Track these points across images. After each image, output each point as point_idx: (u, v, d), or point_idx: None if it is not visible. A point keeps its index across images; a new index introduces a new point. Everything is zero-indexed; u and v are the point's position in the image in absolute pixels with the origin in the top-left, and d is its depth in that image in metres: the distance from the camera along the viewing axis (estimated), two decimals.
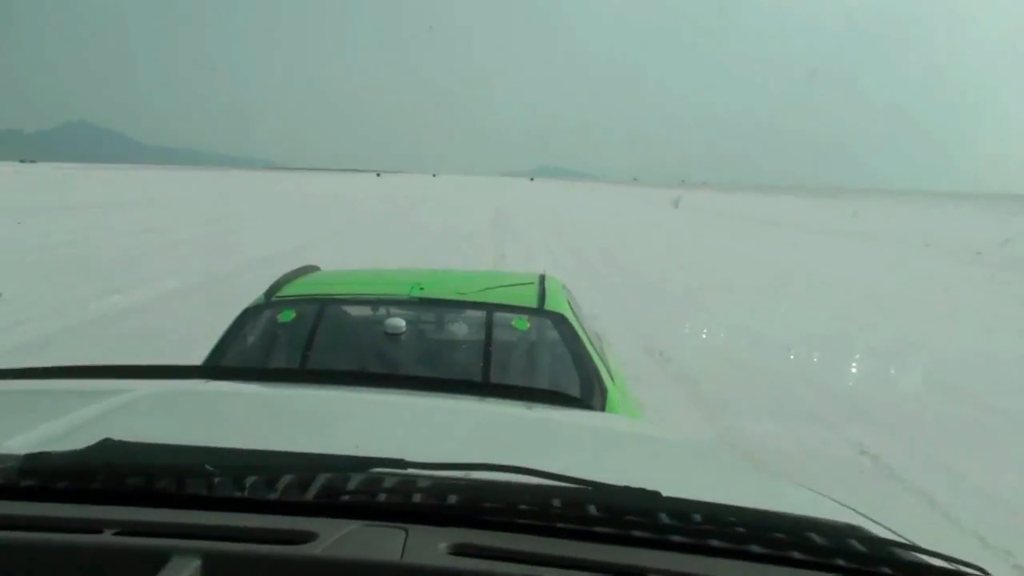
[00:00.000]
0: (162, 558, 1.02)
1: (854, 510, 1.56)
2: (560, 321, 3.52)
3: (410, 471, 1.27)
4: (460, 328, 3.94)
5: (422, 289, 3.72)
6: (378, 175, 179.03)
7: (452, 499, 1.22)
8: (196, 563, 1.02)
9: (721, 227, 35.14)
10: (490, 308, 3.55)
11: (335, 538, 1.09)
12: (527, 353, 3.78)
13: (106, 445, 1.27)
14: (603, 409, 3.00)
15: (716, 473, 1.95)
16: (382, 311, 3.92)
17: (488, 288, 3.81)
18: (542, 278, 4.09)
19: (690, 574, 1.08)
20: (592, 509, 1.20)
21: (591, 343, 3.53)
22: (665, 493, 1.24)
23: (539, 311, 3.59)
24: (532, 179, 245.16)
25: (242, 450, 1.35)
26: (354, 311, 4.02)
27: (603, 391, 3.12)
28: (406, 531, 1.13)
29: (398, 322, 3.64)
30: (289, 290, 3.76)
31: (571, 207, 50.18)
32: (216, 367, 3.16)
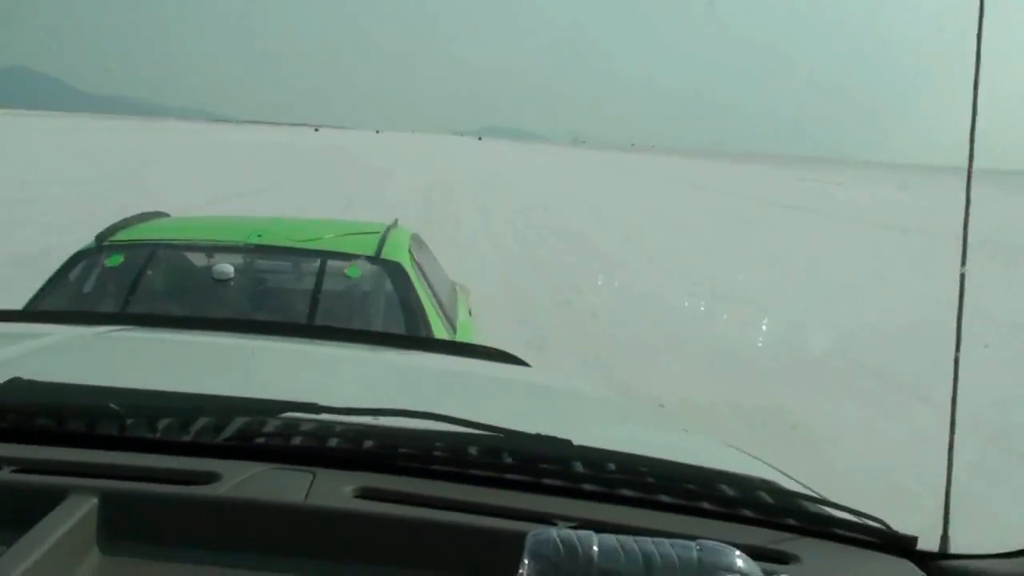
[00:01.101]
0: (59, 495, 1.01)
1: (766, 463, 1.62)
2: (395, 270, 3.60)
3: (322, 416, 1.27)
4: (292, 275, 4.02)
5: (260, 236, 3.78)
6: (316, 130, 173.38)
7: (363, 444, 1.24)
8: (93, 501, 1.01)
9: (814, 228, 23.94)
10: (324, 256, 3.64)
11: (239, 479, 1.08)
12: (357, 300, 3.85)
13: (15, 384, 1.26)
14: None
15: (628, 425, 2.02)
16: (216, 258, 3.75)
17: (328, 236, 3.87)
18: (389, 227, 4.14)
19: (599, 521, 1.08)
20: (503, 456, 1.23)
21: (428, 293, 3.66)
22: (576, 442, 1.26)
23: (375, 259, 3.66)
24: (480, 138, 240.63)
25: (151, 391, 1.38)
26: (186, 258, 3.94)
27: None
28: (314, 474, 1.13)
29: (226, 268, 3.58)
30: (123, 235, 3.71)
31: (549, 183, 38.90)
32: (132, 314, 3.15)
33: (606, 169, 63.13)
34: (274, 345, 2.26)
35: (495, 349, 2.53)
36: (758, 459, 1.65)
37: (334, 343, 2.44)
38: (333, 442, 1.23)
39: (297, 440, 1.23)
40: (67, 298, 3.48)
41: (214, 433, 1.22)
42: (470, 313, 5.17)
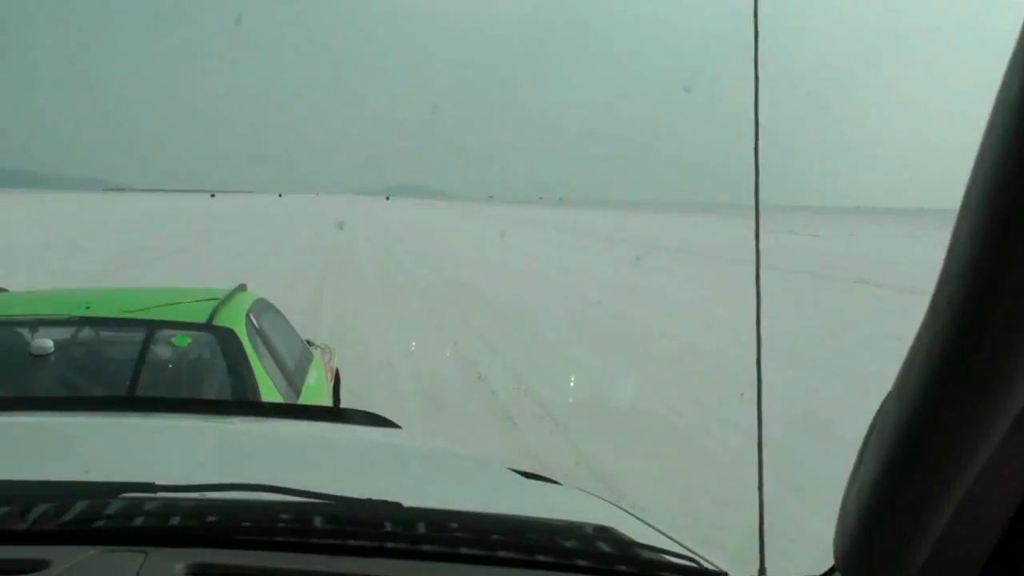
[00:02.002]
0: None
1: (623, 509, 1.74)
2: (227, 336, 3.58)
3: (159, 495, 1.28)
4: (121, 346, 3.90)
5: (88, 308, 3.77)
6: (212, 196, 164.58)
7: (188, 520, 1.23)
8: None
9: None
10: (152, 325, 3.61)
11: (68, 565, 1.08)
12: (185, 369, 3.79)
13: None
14: None
15: (477, 482, 2.03)
16: (40, 332, 3.67)
17: (159, 305, 3.86)
18: (232, 292, 4.15)
19: None
20: (325, 522, 1.24)
21: (265, 358, 3.69)
22: (415, 503, 1.30)
23: (206, 326, 3.65)
24: (388, 198, 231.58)
25: None
26: (11, 333, 3.78)
27: None
28: (146, 554, 1.13)
29: (45, 343, 3.51)
30: None
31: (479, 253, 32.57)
32: None
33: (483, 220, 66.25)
34: (109, 421, 2.28)
35: (364, 412, 2.58)
36: (607, 502, 1.88)
37: (178, 415, 2.46)
38: (167, 521, 1.23)
39: (135, 521, 1.22)
40: None
41: (48, 520, 1.20)
42: (337, 373, 5.57)
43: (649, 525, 1.61)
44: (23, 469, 1.59)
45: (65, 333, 3.80)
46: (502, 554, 1.21)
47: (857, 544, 0.82)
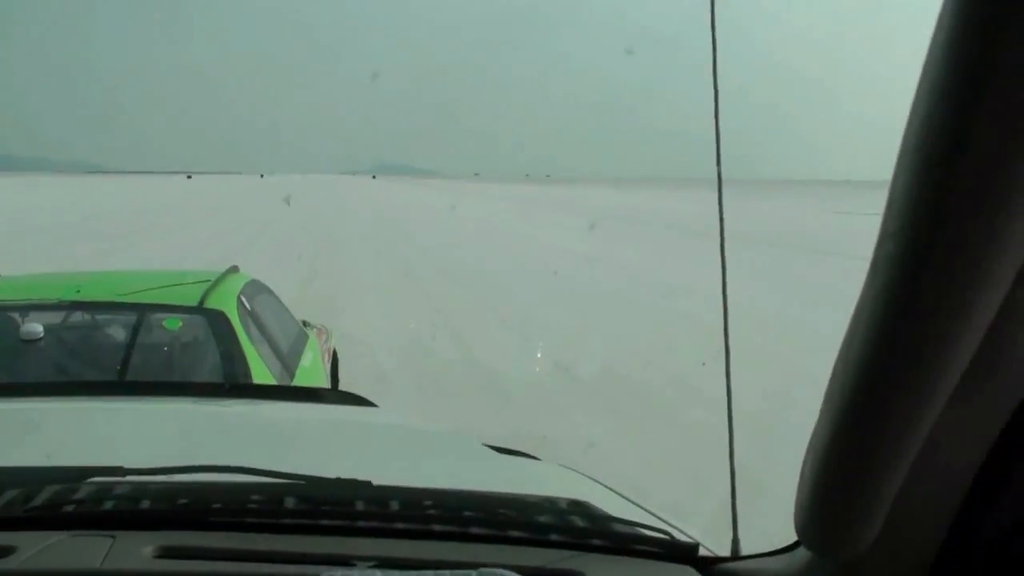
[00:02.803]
0: None
1: (600, 483, 1.71)
2: (217, 318, 3.58)
3: (127, 478, 1.27)
4: (110, 330, 3.95)
5: (78, 292, 3.76)
6: (189, 177, 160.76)
7: (157, 503, 1.24)
8: None
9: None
10: (142, 308, 3.64)
11: (34, 550, 1.08)
12: (177, 352, 3.79)
13: None
14: None
15: (453, 459, 2.01)
16: (30, 317, 3.65)
17: (150, 288, 3.85)
18: (223, 275, 4.14)
19: (404, 559, 1.12)
20: (295, 502, 1.24)
21: (257, 339, 3.69)
22: (387, 482, 1.30)
23: (197, 309, 3.64)
24: (374, 177, 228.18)
25: None
26: (9, 317, 3.76)
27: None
28: (114, 538, 1.13)
29: (34, 327, 3.51)
30: None
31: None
32: None
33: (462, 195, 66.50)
34: (85, 406, 2.29)
35: (340, 392, 2.79)
36: (583, 475, 1.81)
37: (149, 398, 2.45)
38: (137, 504, 1.23)
39: (103, 505, 1.22)
40: None
41: (15, 506, 1.21)
42: (334, 354, 5.63)
43: (626, 498, 1.63)
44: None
45: (55, 317, 3.80)
46: (475, 530, 1.22)
47: (814, 515, 0.81)
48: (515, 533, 1.21)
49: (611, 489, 1.70)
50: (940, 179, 0.60)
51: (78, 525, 1.17)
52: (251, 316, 3.90)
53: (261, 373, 3.47)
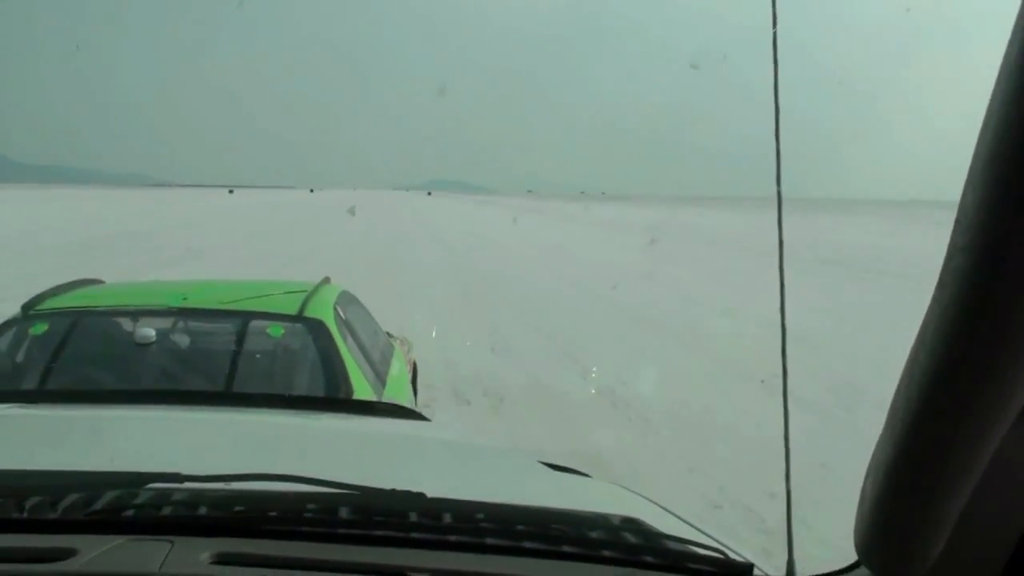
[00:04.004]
0: None
1: (652, 502, 1.69)
2: (317, 327, 3.66)
3: (185, 485, 1.29)
4: (216, 336, 4.01)
5: (185, 299, 3.86)
6: (231, 191, 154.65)
7: (214, 510, 1.24)
8: None
9: None
10: (246, 316, 3.72)
11: (95, 554, 1.10)
12: (280, 359, 3.86)
13: None
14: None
15: (508, 473, 2.04)
16: (141, 322, 3.79)
17: (254, 297, 3.94)
18: (317, 286, 4.22)
19: (459, 571, 1.13)
20: (350, 512, 1.25)
21: (353, 348, 3.76)
22: (441, 494, 1.29)
23: (297, 318, 3.71)
24: (429, 193, 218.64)
25: (13, 471, 1.39)
26: (111, 323, 3.97)
27: (348, 394, 3.33)
28: (172, 543, 1.14)
29: (148, 332, 3.65)
30: (49, 304, 3.76)
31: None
32: (13, 391, 3.22)
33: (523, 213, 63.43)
34: (139, 414, 2.35)
35: (394, 405, 2.78)
36: (636, 494, 1.79)
37: (221, 408, 2.54)
38: (194, 510, 1.24)
39: (162, 511, 1.23)
40: None
41: (78, 510, 1.22)
42: (415, 365, 5.68)
43: (678, 517, 1.61)
44: (55, 459, 1.58)
45: (165, 323, 3.89)
46: (528, 544, 1.20)
47: (876, 535, 0.79)
48: (568, 548, 1.20)
49: (663, 508, 1.68)
50: (1012, 194, 0.59)
51: (137, 530, 1.18)
52: (346, 325, 3.94)
53: (358, 380, 3.53)
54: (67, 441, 2.00)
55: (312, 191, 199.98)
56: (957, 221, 0.64)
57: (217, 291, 4.28)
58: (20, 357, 3.61)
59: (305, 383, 3.59)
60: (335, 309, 3.97)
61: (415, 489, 1.29)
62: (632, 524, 1.32)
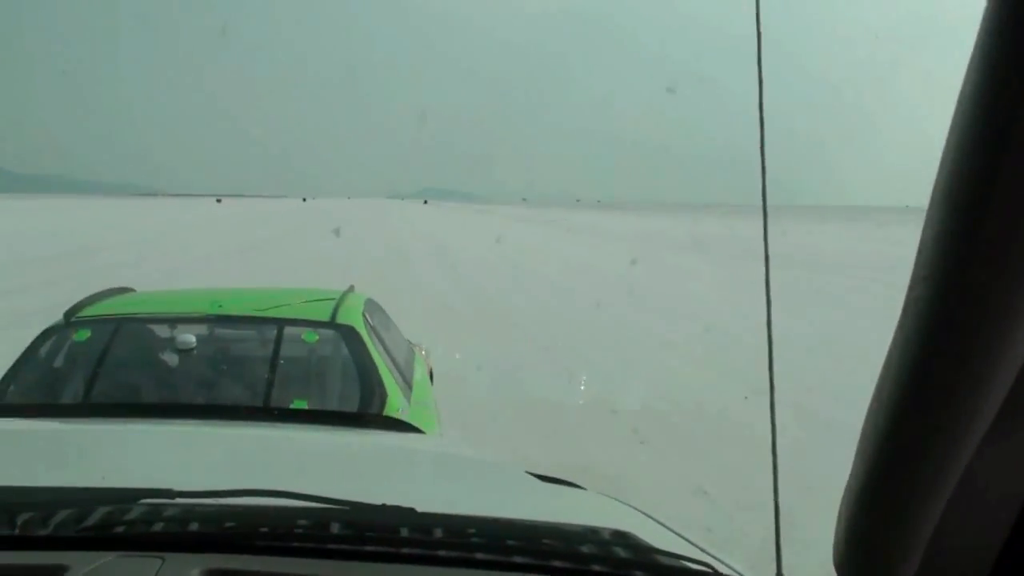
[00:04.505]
0: None
1: (642, 513, 1.70)
2: (349, 333, 3.76)
3: (176, 500, 1.29)
4: (252, 342, 4.15)
5: (220, 307, 3.97)
6: (218, 200, 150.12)
7: (205, 526, 1.25)
8: None
9: None
10: (281, 323, 3.77)
11: (85, 571, 1.10)
12: (314, 363, 4.10)
13: None
14: (381, 414, 3.27)
15: (499, 487, 2.01)
16: (179, 329, 3.91)
17: (285, 304, 4.02)
18: (344, 293, 4.32)
19: None
20: (341, 528, 1.25)
21: (382, 353, 3.83)
22: (431, 509, 1.29)
23: (329, 324, 3.84)
24: (425, 202, 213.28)
25: (3, 487, 1.36)
26: (150, 330, 4.03)
27: (382, 397, 3.39)
28: (163, 559, 1.14)
29: (188, 338, 3.75)
30: (90, 311, 3.84)
31: None
32: (11, 405, 3.22)
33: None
34: (129, 428, 2.33)
35: (386, 418, 2.74)
36: (627, 505, 1.79)
37: (215, 421, 2.53)
38: (186, 526, 1.24)
39: (153, 527, 1.24)
40: (38, 373, 3.58)
41: (70, 526, 1.22)
42: (431, 372, 5.44)
43: (668, 528, 1.61)
44: (45, 475, 1.58)
45: (202, 329, 3.99)
46: (518, 559, 1.20)
47: (853, 550, 0.81)
48: (558, 563, 1.21)
49: (654, 519, 1.68)
50: (968, 226, 0.61)
51: (128, 546, 1.18)
52: (374, 331, 4.03)
53: (390, 384, 3.58)
54: (60, 457, 1.99)
55: (304, 200, 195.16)
56: (919, 252, 0.67)
57: (248, 298, 4.38)
58: (64, 362, 3.69)
59: (341, 387, 3.74)
60: (364, 316, 4.05)
61: (405, 504, 1.29)
62: (623, 538, 1.32)
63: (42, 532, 1.20)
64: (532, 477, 1.94)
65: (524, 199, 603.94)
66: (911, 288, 0.68)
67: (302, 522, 1.25)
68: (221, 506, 1.29)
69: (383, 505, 1.29)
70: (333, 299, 4.10)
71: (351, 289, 4.51)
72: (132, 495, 1.30)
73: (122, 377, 3.64)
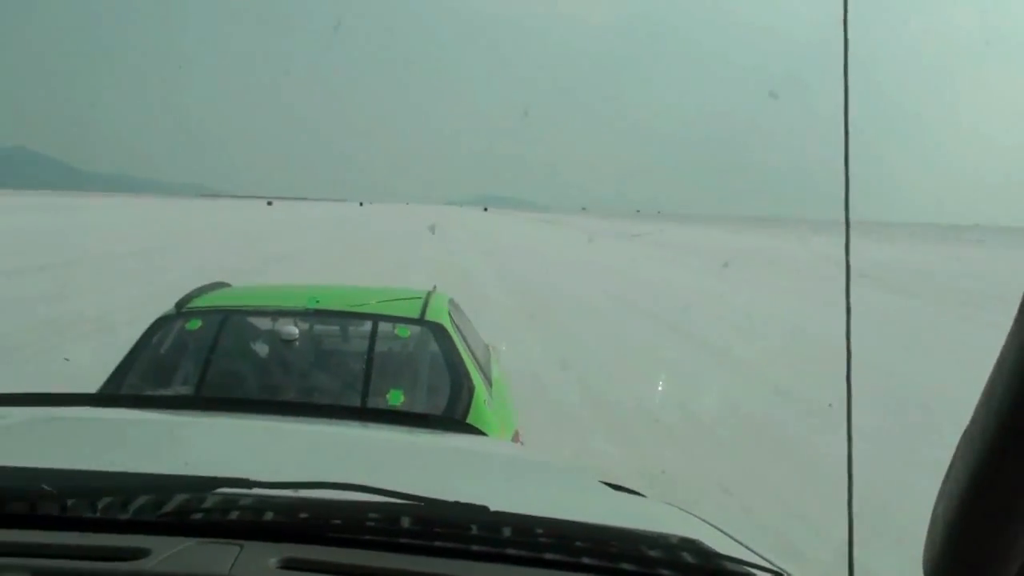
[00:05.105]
0: None
1: (702, 520, 1.71)
2: (438, 330, 3.94)
3: (254, 491, 1.30)
4: (349, 335, 4.56)
5: (318, 302, 4.16)
6: (269, 203, 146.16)
7: (290, 516, 1.28)
8: None
9: None
10: (375, 318, 3.99)
11: (167, 555, 1.13)
12: (405, 358, 4.28)
13: None
14: (469, 407, 3.44)
15: (568, 490, 2.03)
16: (280, 321, 4.16)
17: (375, 301, 4.23)
18: (429, 293, 4.50)
19: None
20: (412, 522, 1.27)
21: (467, 350, 3.98)
22: (501, 508, 1.30)
23: (419, 321, 4.01)
24: (486, 209, 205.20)
25: (89, 471, 1.41)
26: (255, 321, 4.32)
27: (471, 391, 3.54)
28: (241, 547, 1.17)
29: (292, 329, 4.04)
30: (198, 302, 4.09)
31: None
32: (99, 395, 3.25)
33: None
34: (209, 420, 2.38)
35: (451, 419, 2.77)
36: (694, 516, 1.76)
37: (289, 418, 2.53)
38: (262, 515, 1.27)
39: (229, 515, 1.26)
40: (153, 359, 3.88)
41: (149, 511, 1.25)
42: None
43: (736, 540, 1.60)
44: (127, 462, 1.60)
45: (302, 323, 4.24)
46: (586, 561, 1.21)
47: (946, 559, 0.78)
48: (626, 566, 1.22)
49: (720, 530, 1.68)
50: None
51: (206, 533, 1.21)
52: (458, 329, 4.16)
53: (477, 380, 3.69)
54: (140, 444, 2.03)
55: (361, 204, 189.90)
56: None
57: (339, 295, 4.56)
58: (178, 349, 4.00)
59: (431, 380, 3.88)
60: (449, 314, 4.22)
61: (477, 502, 1.30)
62: (690, 544, 1.30)
63: (123, 516, 1.24)
64: (599, 483, 1.93)
65: (584, 208, 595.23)
66: None
67: (374, 515, 1.26)
68: (296, 498, 1.30)
69: (455, 502, 1.30)
70: (420, 298, 4.31)
71: (434, 289, 4.69)
72: (210, 483, 1.30)
73: (232, 364, 3.97)
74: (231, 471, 1.34)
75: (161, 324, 3.93)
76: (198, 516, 1.25)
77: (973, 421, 0.72)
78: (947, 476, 0.77)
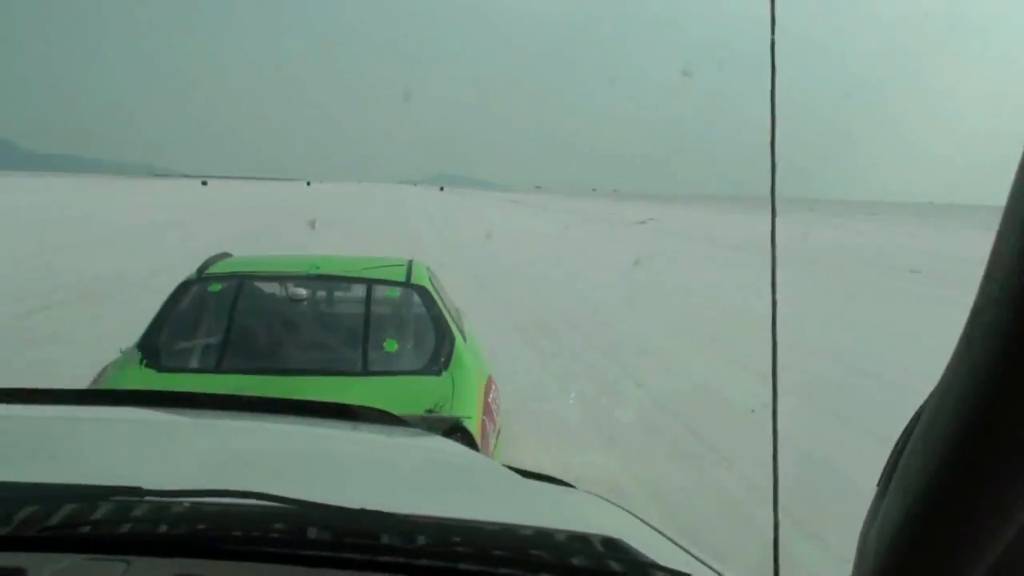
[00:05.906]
0: None
1: (633, 515, 1.67)
2: (423, 292, 4.66)
3: (146, 499, 1.24)
4: (347, 296, 5.26)
5: (318, 268, 4.89)
6: (204, 183, 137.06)
7: (174, 527, 1.21)
8: None
9: None
10: (370, 282, 4.68)
11: (46, 575, 1.06)
12: (396, 314, 4.97)
13: None
14: (451, 356, 4.16)
15: (486, 485, 1.96)
16: (288, 284, 4.97)
17: (368, 267, 4.95)
18: (410, 262, 5.15)
19: None
20: (315, 532, 1.21)
21: (447, 310, 4.67)
22: (415, 511, 1.27)
23: (406, 284, 4.77)
24: (442, 189, 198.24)
25: None
26: (264, 285, 5.08)
27: (452, 342, 4.26)
28: (128, 563, 1.11)
29: (300, 291, 4.83)
30: (215, 269, 4.77)
31: None
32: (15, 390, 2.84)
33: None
34: (103, 418, 2.19)
35: (375, 410, 2.52)
36: (620, 508, 1.73)
37: (179, 410, 2.36)
38: (155, 527, 1.20)
39: (120, 527, 1.19)
40: (182, 317, 4.48)
41: (31, 526, 1.17)
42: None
43: (662, 534, 1.59)
44: (9, 470, 1.50)
45: (306, 286, 4.91)
46: (503, 571, 1.17)
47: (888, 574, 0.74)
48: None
49: (648, 524, 1.65)
50: None
51: (93, 548, 1.15)
52: (438, 291, 4.81)
53: (456, 333, 4.34)
54: (26, 449, 1.82)
55: (308, 184, 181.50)
56: (989, 271, 0.58)
57: (334, 263, 5.28)
58: (203, 309, 4.64)
59: (418, 334, 4.54)
60: (429, 279, 4.89)
61: (387, 506, 1.25)
62: (615, 547, 1.27)
63: (3, 531, 1.15)
64: (522, 476, 1.87)
65: (537, 186, 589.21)
66: (976, 313, 0.58)
67: (277, 526, 1.20)
68: (193, 506, 1.23)
69: (363, 509, 1.23)
70: (403, 265, 4.97)
71: (412, 260, 5.21)
72: (101, 492, 1.24)
73: (251, 320, 4.56)
74: (126, 478, 1.28)
75: (186, 287, 4.57)
76: (86, 530, 1.16)
77: (911, 454, 0.66)
78: (878, 498, 0.71)
